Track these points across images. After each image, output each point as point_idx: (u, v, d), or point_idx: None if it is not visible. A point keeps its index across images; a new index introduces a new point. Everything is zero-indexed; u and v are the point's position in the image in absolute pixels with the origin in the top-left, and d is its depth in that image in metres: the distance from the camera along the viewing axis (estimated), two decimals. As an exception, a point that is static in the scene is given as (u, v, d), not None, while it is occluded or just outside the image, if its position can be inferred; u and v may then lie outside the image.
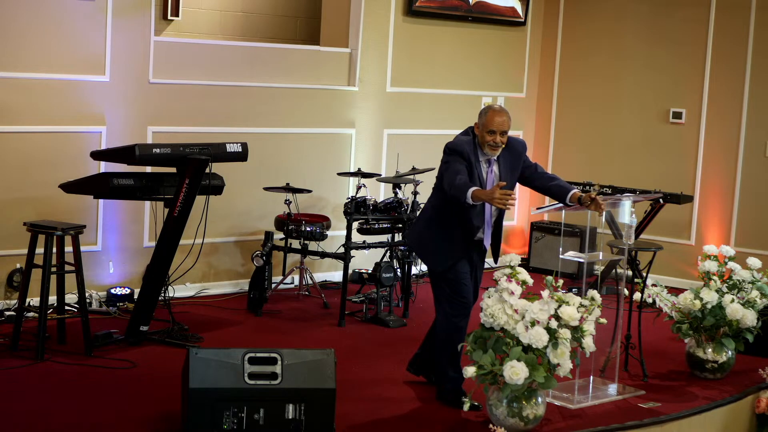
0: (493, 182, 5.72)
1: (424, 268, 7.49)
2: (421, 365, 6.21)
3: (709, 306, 6.51)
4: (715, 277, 6.63)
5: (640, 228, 8.39)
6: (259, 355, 5.14)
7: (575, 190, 5.80)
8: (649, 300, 6.68)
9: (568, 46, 10.11)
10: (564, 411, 5.86)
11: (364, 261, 8.86)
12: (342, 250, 7.77)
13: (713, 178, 9.31)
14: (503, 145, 5.71)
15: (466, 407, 5.36)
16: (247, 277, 8.22)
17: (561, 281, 5.56)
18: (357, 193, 7.96)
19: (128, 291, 7.65)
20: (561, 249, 6.25)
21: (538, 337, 5.24)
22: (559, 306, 5.41)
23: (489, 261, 6.00)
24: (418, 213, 7.46)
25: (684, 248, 9.32)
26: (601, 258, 6.44)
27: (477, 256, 5.91)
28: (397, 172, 8.46)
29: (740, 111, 9.16)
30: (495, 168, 5.77)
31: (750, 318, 6.50)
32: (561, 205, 6.01)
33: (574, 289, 6.75)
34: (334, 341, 6.99)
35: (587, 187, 8.63)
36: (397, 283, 7.93)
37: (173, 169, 6.77)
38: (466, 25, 9.62)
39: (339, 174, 8.56)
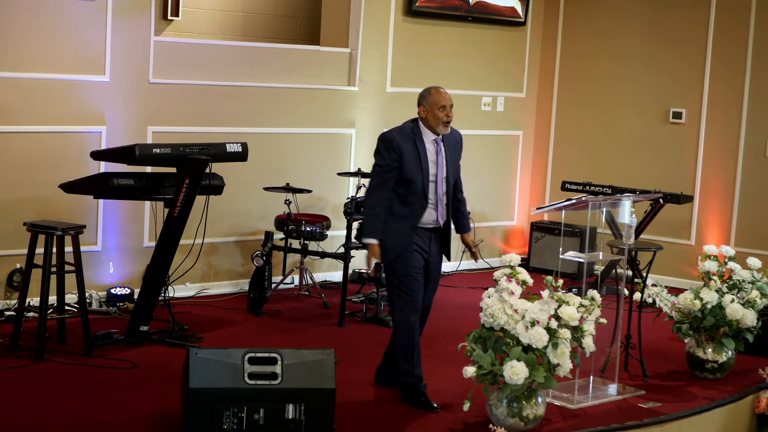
0: (443, 163, 5.82)
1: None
2: (384, 374, 6.19)
3: (709, 306, 6.51)
4: (715, 277, 6.62)
5: (640, 228, 8.39)
6: (259, 355, 5.14)
7: (467, 232, 6.02)
8: (649, 300, 6.68)
9: (568, 46, 10.11)
10: (564, 411, 5.86)
11: (364, 261, 8.85)
12: (342, 250, 7.77)
13: (713, 178, 9.31)
14: (452, 119, 5.83)
15: (466, 407, 5.36)
16: (247, 277, 8.22)
17: (561, 281, 5.56)
18: (357, 193, 7.97)
19: (128, 291, 7.65)
20: (561, 249, 6.25)
21: (538, 337, 5.24)
22: (559, 306, 5.41)
23: (490, 261, 6.00)
24: None
25: (684, 248, 9.32)
26: (601, 258, 6.43)
27: (435, 248, 5.91)
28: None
29: (740, 111, 9.17)
30: (443, 149, 5.85)
31: (750, 318, 6.50)
32: (561, 205, 6.02)
33: (574, 289, 6.75)
34: (334, 341, 6.99)
35: (587, 187, 8.64)
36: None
37: (173, 169, 6.77)
38: (466, 25, 9.62)
39: (339, 174, 8.56)
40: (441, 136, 5.84)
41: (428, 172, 5.78)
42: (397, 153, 5.75)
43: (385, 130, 9.04)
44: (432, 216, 5.83)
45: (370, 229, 5.80)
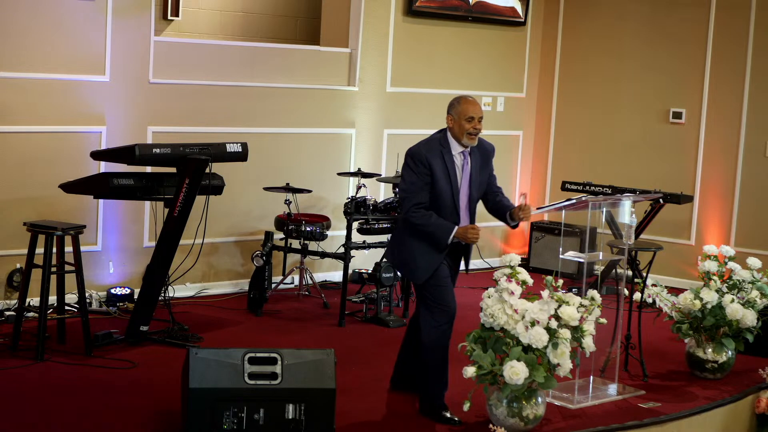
0: (468, 176, 5.68)
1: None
2: (404, 379, 6.06)
3: (709, 306, 6.51)
4: (715, 277, 6.63)
5: (640, 228, 8.38)
6: (259, 355, 5.14)
7: (513, 208, 5.77)
8: (649, 300, 6.68)
9: (568, 46, 10.11)
10: (564, 411, 5.86)
11: (364, 261, 8.86)
12: (342, 250, 7.77)
13: (713, 178, 9.31)
14: (480, 132, 5.66)
15: (466, 407, 5.35)
16: (247, 277, 8.22)
17: (561, 281, 5.56)
18: (357, 193, 7.96)
19: (128, 291, 7.65)
20: (561, 249, 6.25)
21: (538, 337, 5.24)
22: (559, 306, 5.41)
23: (490, 261, 5.99)
24: None
25: (684, 248, 9.32)
26: (601, 258, 6.43)
27: (450, 258, 5.79)
28: (397, 172, 8.45)
29: (740, 111, 9.16)
30: (469, 161, 5.68)
31: (750, 318, 6.50)
32: (561, 205, 6.01)
33: (574, 289, 6.75)
34: (334, 341, 6.99)
35: (587, 187, 8.63)
36: (397, 283, 7.93)
37: (173, 169, 6.77)
38: (466, 25, 9.62)
39: (339, 174, 8.56)
40: (469, 148, 5.67)
41: (457, 185, 5.64)
42: (426, 167, 5.56)
43: (387, 130, 9.20)
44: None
45: (444, 231, 5.57)
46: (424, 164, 5.57)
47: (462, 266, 5.91)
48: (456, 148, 5.65)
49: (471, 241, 5.66)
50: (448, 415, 5.61)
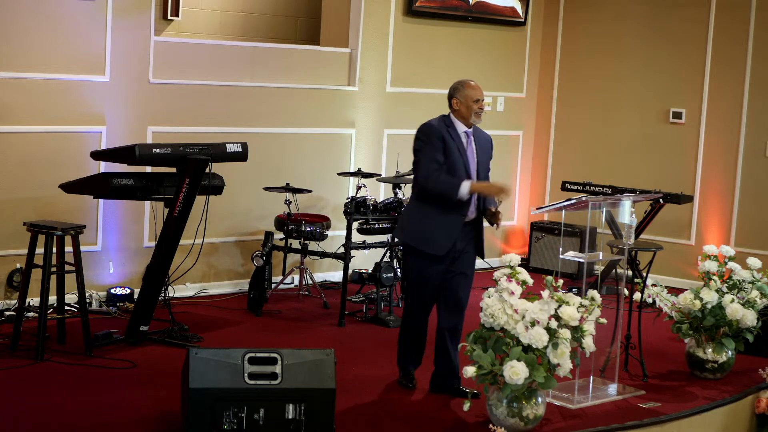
0: (474, 153, 5.90)
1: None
2: (440, 381, 6.13)
3: (709, 306, 6.51)
4: (715, 277, 6.62)
5: (640, 228, 8.39)
6: (259, 355, 5.14)
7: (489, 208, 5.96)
8: (649, 300, 6.68)
9: (568, 46, 10.11)
10: (564, 411, 5.86)
11: (364, 261, 8.86)
12: (342, 250, 7.77)
13: (713, 178, 9.31)
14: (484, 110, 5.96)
15: (466, 407, 5.36)
16: (247, 277, 8.22)
17: (561, 281, 5.56)
18: (357, 193, 7.96)
19: (128, 291, 7.65)
20: (561, 249, 6.25)
21: (538, 337, 5.24)
22: (559, 306, 5.41)
23: (490, 261, 6.01)
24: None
25: (684, 248, 9.32)
26: (601, 258, 6.43)
27: (465, 242, 5.93)
28: (397, 172, 8.46)
29: (740, 111, 9.16)
30: (472, 141, 5.93)
31: (750, 318, 6.50)
32: (561, 205, 6.02)
33: (574, 289, 6.75)
34: (334, 341, 6.99)
35: (587, 187, 8.63)
36: (397, 283, 7.93)
37: (173, 169, 6.77)
38: (466, 25, 9.62)
39: (339, 174, 8.56)
40: (472, 129, 5.93)
41: (467, 159, 5.85)
42: (439, 139, 5.80)
43: (387, 130, 9.20)
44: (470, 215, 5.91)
45: (453, 186, 5.72)
46: (437, 136, 5.82)
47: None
48: (460, 128, 5.92)
49: (496, 194, 5.79)
50: (406, 382, 6.04)
